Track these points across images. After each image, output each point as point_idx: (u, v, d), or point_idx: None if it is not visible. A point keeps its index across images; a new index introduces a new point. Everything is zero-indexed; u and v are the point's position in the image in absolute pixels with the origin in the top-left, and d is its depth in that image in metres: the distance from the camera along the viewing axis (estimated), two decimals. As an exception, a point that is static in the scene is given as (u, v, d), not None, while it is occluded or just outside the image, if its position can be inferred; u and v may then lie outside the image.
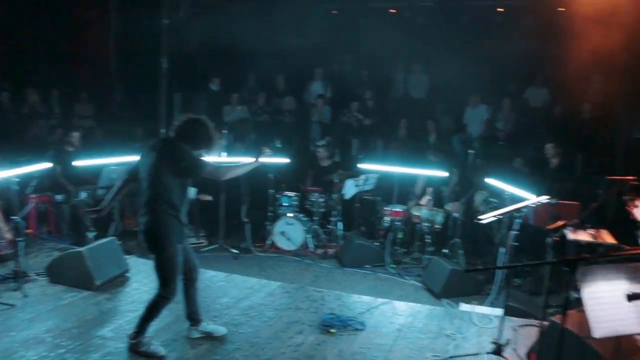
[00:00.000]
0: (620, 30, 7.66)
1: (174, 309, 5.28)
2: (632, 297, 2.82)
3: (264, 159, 4.91)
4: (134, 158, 4.72)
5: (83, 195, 8.09)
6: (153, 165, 4.37)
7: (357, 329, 5.21)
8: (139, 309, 5.27)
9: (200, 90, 11.62)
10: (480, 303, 6.17)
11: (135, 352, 4.47)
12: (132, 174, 4.66)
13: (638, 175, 5.49)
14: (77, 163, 8.16)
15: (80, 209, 7.89)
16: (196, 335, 4.83)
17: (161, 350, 4.50)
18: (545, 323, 4.41)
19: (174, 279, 4.46)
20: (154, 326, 4.85)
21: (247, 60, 11.59)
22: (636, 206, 4.87)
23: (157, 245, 4.38)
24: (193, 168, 4.38)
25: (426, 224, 8.05)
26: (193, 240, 8.37)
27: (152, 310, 4.48)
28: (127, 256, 6.88)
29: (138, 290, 5.97)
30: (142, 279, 6.35)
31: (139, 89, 11.40)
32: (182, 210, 4.45)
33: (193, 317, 4.83)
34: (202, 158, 4.47)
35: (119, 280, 6.28)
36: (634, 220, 4.94)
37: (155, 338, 4.64)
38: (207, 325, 4.90)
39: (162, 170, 4.34)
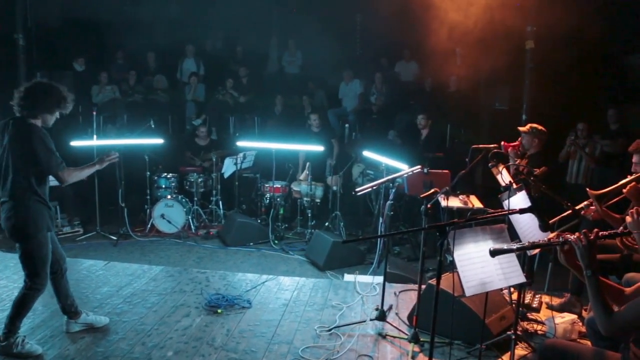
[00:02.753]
0: (476, 5, 8.08)
1: (50, 304, 5.00)
2: (494, 253, 3.04)
3: (107, 162, 4.51)
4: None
5: None
6: (7, 151, 4.02)
7: (244, 307, 5.20)
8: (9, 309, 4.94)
9: (66, 69, 10.88)
10: (363, 272, 6.38)
11: (7, 354, 4.10)
12: None
13: (500, 143, 5.90)
14: None
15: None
16: (76, 328, 4.54)
17: (38, 349, 4.19)
18: (423, 286, 4.66)
19: (44, 268, 4.17)
20: (27, 324, 4.57)
21: (114, 36, 10.99)
22: (499, 172, 5.21)
23: (23, 232, 4.05)
24: (45, 165, 4.01)
25: (306, 199, 8.17)
26: (67, 229, 7.97)
27: (22, 305, 4.15)
28: (-8, 251, 6.42)
29: (6, 288, 5.52)
30: (10, 275, 5.91)
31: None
32: (46, 195, 4.17)
33: (70, 310, 4.52)
34: (56, 156, 4.05)
35: (-16, 278, 5.83)
36: (498, 185, 5.31)
37: (30, 336, 4.36)
38: (87, 317, 4.62)
39: (16, 156, 4.00)
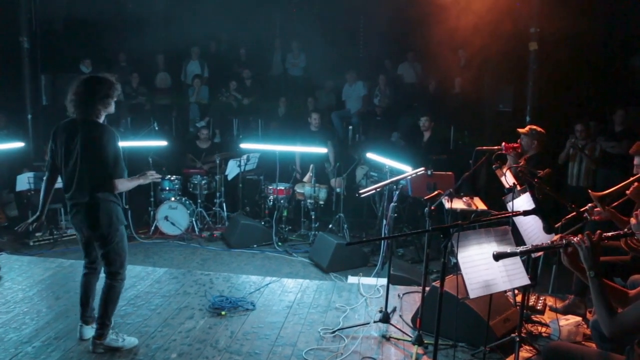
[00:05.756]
0: (480, 7, 8.07)
1: (54, 306, 5.04)
2: (497, 257, 3.04)
3: (150, 180, 4.48)
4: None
5: None
6: (79, 154, 4.02)
7: (247, 309, 5.21)
8: (14, 310, 4.97)
9: (70, 71, 10.90)
10: (367, 274, 6.37)
11: (107, 349, 4.25)
12: (52, 168, 4.24)
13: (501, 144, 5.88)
14: None
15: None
16: (90, 334, 4.55)
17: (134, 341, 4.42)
18: (427, 288, 4.65)
19: (127, 258, 4.30)
20: (31, 326, 4.63)
21: (118, 38, 11.01)
22: (503, 174, 5.20)
23: (105, 230, 4.11)
24: (111, 169, 4.05)
25: (310, 201, 8.16)
26: (72, 231, 7.97)
27: (111, 298, 4.25)
28: (-3, 254, 6.43)
29: (11, 290, 5.55)
30: (15, 277, 5.94)
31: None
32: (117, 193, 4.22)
33: (91, 315, 4.55)
34: (121, 163, 4.11)
35: (-11, 280, 5.85)
36: (502, 187, 5.29)
37: (34, 338, 4.40)
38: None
39: (90, 159, 4.01)
